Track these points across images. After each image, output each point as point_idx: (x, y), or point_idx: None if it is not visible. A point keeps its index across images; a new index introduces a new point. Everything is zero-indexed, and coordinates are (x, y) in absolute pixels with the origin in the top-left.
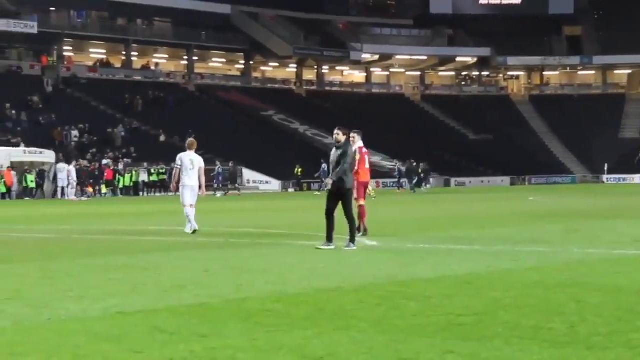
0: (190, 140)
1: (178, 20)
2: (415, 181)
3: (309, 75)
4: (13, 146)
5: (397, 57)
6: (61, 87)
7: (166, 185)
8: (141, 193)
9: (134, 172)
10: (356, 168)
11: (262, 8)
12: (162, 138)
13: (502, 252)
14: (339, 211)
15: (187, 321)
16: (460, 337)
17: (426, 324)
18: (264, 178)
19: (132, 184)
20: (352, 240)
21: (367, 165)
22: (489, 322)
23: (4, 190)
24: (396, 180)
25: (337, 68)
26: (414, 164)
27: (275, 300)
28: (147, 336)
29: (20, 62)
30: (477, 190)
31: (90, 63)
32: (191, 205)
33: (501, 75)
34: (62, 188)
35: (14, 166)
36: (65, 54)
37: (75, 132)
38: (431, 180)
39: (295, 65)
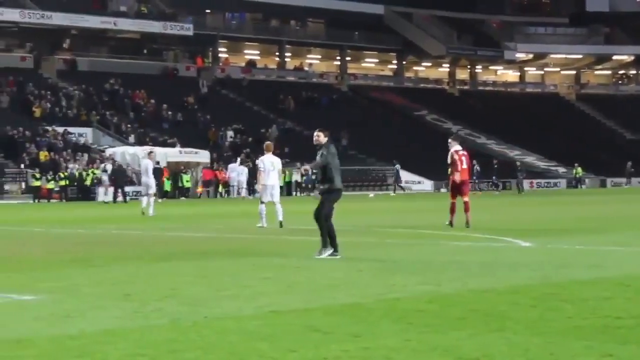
0: (268, 143)
1: (331, 21)
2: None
3: (462, 74)
4: (169, 146)
5: (552, 56)
6: (217, 88)
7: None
8: (294, 193)
9: (287, 172)
10: (454, 168)
11: (415, 8)
12: None
13: None
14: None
15: (340, 320)
16: (618, 341)
17: (583, 326)
18: (417, 178)
19: (284, 184)
20: (324, 245)
21: (465, 166)
22: None
23: (167, 189)
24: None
25: (491, 67)
26: (495, 165)
27: (429, 301)
28: (301, 335)
29: (176, 63)
30: (634, 191)
31: (245, 64)
32: (273, 203)
33: None
34: (233, 187)
35: (170, 166)
36: (220, 55)
37: (230, 133)
38: (586, 180)
39: (448, 65)
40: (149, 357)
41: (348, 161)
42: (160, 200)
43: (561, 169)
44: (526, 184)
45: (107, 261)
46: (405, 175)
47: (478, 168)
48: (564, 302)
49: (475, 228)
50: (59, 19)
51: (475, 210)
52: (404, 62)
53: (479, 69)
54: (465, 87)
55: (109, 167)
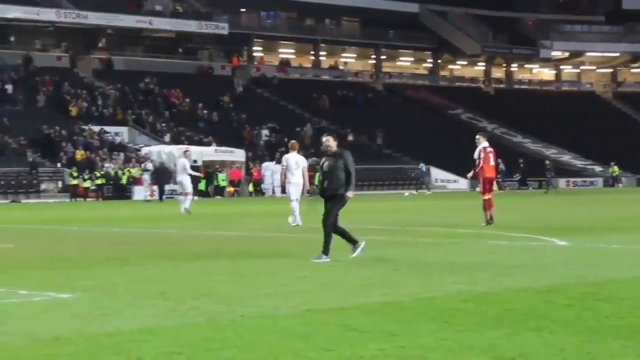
0: (293, 142)
1: (366, 20)
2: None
3: (498, 73)
4: (205, 145)
5: (588, 54)
6: (251, 87)
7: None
8: None
9: None
10: (481, 164)
11: (451, 6)
12: (351, 137)
13: None
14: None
15: (376, 319)
16: None
17: (620, 325)
18: (452, 177)
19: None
20: (324, 251)
21: (492, 163)
22: None
23: (202, 188)
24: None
25: (526, 66)
26: (521, 164)
27: (465, 300)
28: (337, 334)
29: (212, 62)
30: None
31: (279, 63)
32: (296, 200)
33: None
34: (268, 186)
35: (205, 165)
36: (255, 54)
37: (265, 131)
38: (623, 179)
39: (484, 63)
40: (185, 355)
41: (383, 160)
42: (196, 198)
43: (597, 168)
44: (562, 182)
45: (143, 260)
46: (440, 174)
47: (503, 167)
48: (601, 302)
49: (511, 227)
50: (94, 18)
51: (511, 209)
52: (439, 61)
53: (514, 67)
54: (501, 86)
55: (150, 165)
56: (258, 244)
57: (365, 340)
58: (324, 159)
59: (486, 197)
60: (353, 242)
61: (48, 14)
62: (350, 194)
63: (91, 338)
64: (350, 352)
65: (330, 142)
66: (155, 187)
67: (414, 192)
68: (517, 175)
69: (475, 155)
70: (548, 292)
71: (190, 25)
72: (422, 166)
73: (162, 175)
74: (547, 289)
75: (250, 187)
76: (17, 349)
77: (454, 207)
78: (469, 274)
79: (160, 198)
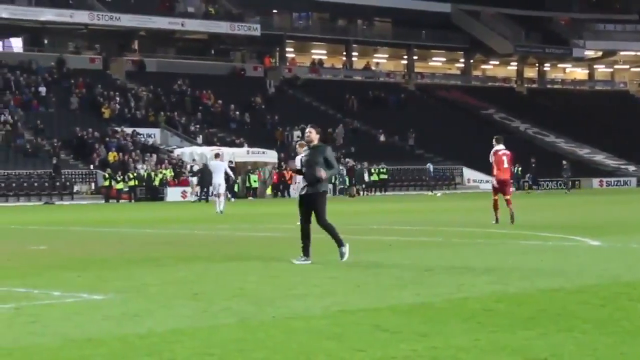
0: (301, 142)
1: (398, 20)
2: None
3: (530, 73)
4: (237, 146)
5: (622, 53)
6: (283, 88)
7: (386, 185)
8: (361, 193)
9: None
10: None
11: (483, 6)
12: (382, 138)
13: None
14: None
15: (408, 320)
16: None
17: None
18: (484, 177)
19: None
20: (339, 244)
21: (506, 165)
22: None
23: (236, 189)
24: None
25: (559, 65)
26: (533, 164)
27: (497, 300)
28: (369, 334)
29: (244, 63)
30: None
31: (311, 64)
32: None
33: None
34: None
35: (238, 166)
36: (287, 55)
37: (297, 132)
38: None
39: (516, 63)
40: (217, 356)
41: (415, 161)
42: (232, 199)
43: (631, 168)
44: (595, 182)
45: (175, 261)
46: (473, 174)
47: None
48: (634, 302)
49: (543, 227)
50: (127, 20)
51: (543, 209)
52: (472, 61)
53: (547, 67)
54: (534, 86)
55: (196, 167)
56: (289, 245)
57: (397, 341)
58: (303, 152)
59: (496, 197)
60: (305, 253)
61: (81, 17)
62: (323, 173)
63: (124, 339)
64: (382, 353)
65: (312, 135)
66: (197, 189)
67: (445, 192)
68: (529, 175)
69: (490, 159)
70: (580, 293)
71: (222, 27)
72: (430, 167)
73: (206, 177)
74: (579, 289)
75: (269, 190)
76: (51, 350)
77: (485, 207)
78: (501, 275)
79: (206, 199)
